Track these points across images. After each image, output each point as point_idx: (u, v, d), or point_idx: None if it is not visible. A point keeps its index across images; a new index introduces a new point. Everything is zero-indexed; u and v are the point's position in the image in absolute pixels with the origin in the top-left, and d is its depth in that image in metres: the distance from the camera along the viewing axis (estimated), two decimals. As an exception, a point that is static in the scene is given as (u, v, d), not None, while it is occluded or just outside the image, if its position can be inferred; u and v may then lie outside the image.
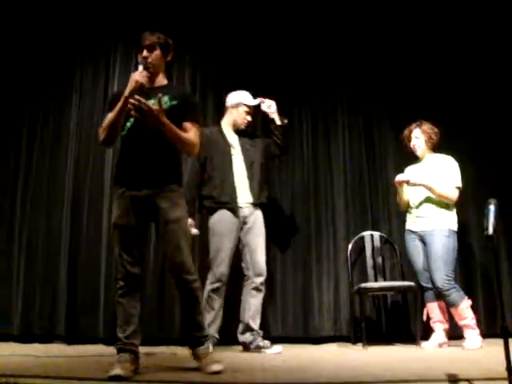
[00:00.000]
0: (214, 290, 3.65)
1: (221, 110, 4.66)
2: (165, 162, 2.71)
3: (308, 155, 4.71)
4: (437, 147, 4.09)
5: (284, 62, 4.83)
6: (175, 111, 2.71)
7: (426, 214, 3.93)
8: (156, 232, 2.77)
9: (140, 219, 2.67)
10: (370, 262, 4.33)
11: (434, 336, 3.88)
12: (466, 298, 3.76)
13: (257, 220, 3.83)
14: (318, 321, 4.34)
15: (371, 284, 4.12)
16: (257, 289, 3.75)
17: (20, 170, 4.58)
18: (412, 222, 4.02)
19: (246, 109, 3.95)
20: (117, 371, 2.38)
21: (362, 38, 4.96)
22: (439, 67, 4.92)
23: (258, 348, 3.66)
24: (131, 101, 2.55)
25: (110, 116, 2.68)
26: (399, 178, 3.99)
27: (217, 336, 3.65)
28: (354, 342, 4.08)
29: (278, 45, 4.86)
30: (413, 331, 4.21)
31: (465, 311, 3.72)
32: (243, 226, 3.80)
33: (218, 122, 4.60)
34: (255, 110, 4.04)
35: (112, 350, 2.78)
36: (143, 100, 2.55)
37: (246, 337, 3.71)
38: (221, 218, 3.73)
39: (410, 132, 4.10)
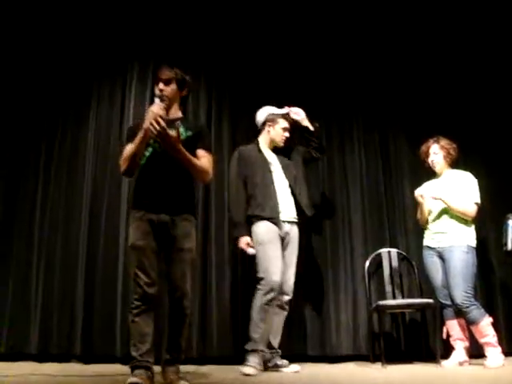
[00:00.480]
0: (268, 302, 3.51)
1: (236, 131, 4.72)
2: (182, 190, 2.88)
3: (324, 171, 4.70)
4: (455, 163, 4.06)
5: (299, 79, 4.86)
6: (190, 141, 2.89)
7: (444, 230, 3.89)
8: (164, 255, 2.86)
9: (158, 242, 2.80)
10: (387, 278, 4.29)
11: (454, 354, 3.82)
12: (487, 315, 3.70)
13: (294, 237, 3.80)
14: (335, 339, 4.29)
15: (389, 301, 4.07)
16: (281, 307, 3.70)
17: (38, 187, 4.61)
18: (430, 238, 3.98)
19: (283, 125, 3.96)
20: (134, 379, 2.53)
21: (378, 54, 4.98)
22: (454, 83, 4.92)
23: (276, 367, 3.63)
24: (154, 125, 2.68)
25: (131, 147, 2.82)
26: (419, 191, 3.96)
27: (266, 350, 3.57)
28: (373, 360, 4.02)
29: (292, 63, 4.89)
30: (432, 349, 4.15)
31: (485, 328, 3.65)
32: (283, 242, 3.73)
33: (232, 143, 4.66)
34: (292, 127, 4.04)
35: (129, 369, 2.78)
36: (164, 125, 2.68)
37: (266, 355, 3.66)
38: (265, 227, 3.65)
39: (428, 148, 4.08)
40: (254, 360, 3.45)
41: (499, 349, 3.65)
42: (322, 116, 4.81)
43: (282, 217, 3.73)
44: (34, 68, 4.87)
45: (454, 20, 4.99)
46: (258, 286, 3.57)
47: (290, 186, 3.85)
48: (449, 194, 3.89)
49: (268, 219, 3.66)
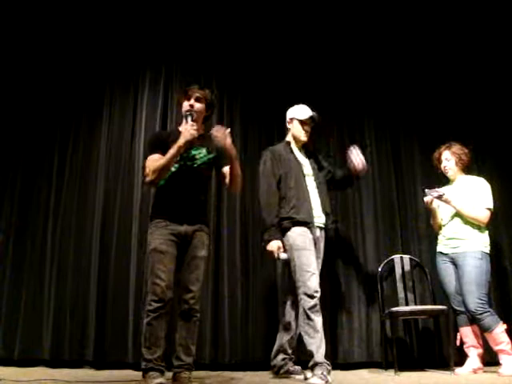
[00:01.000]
0: (311, 309, 3.33)
1: (247, 134, 4.74)
2: (202, 203, 3.18)
3: (336, 177, 4.68)
4: (467, 168, 4.04)
5: (310, 82, 4.86)
6: (215, 161, 3.22)
7: (457, 235, 3.86)
8: (180, 262, 3.05)
9: (178, 249, 3.01)
10: (400, 285, 4.26)
11: (468, 361, 3.78)
12: (501, 322, 3.65)
13: (322, 243, 3.73)
14: (347, 346, 4.27)
15: (402, 308, 4.04)
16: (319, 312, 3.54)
17: (51, 194, 4.67)
18: (443, 245, 3.95)
19: (300, 117, 3.84)
20: (160, 380, 2.73)
21: (390, 57, 4.97)
22: (466, 86, 4.89)
23: (288, 373, 3.59)
24: (221, 136, 2.99)
25: (164, 160, 2.98)
26: (431, 194, 3.92)
27: (327, 362, 3.30)
28: (386, 367, 3.99)
29: (304, 67, 4.90)
30: (445, 356, 4.10)
31: (500, 336, 3.61)
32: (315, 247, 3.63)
33: (244, 147, 4.69)
34: (314, 122, 3.88)
35: (140, 375, 2.79)
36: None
37: (278, 360, 3.62)
38: (300, 233, 3.51)
39: (440, 154, 4.07)
40: (317, 373, 3.24)
41: (514, 356, 3.61)
42: (334, 120, 4.81)
43: (316, 222, 3.63)
44: (46, 77, 4.95)
45: (469, 24, 4.97)
46: (299, 297, 3.41)
47: (318, 190, 3.73)
48: (461, 199, 3.87)
49: (303, 223, 3.53)
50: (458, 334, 3.87)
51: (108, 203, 4.56)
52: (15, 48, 5.02)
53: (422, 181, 4.67)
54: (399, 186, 4.72)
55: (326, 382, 3.19)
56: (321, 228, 3.70)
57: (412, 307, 4.10)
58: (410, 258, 4.36)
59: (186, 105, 3.18)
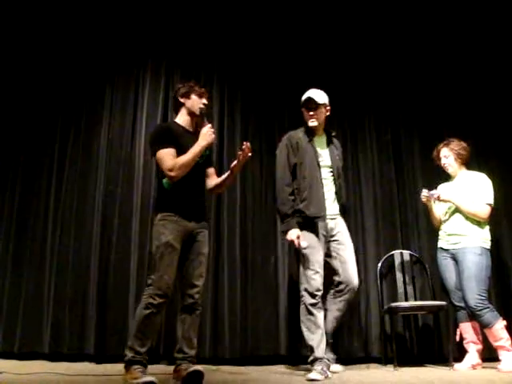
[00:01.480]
0: (312, 305, 3.39)
1: (248, 129, 4.73)
2: (205, 201, 3.28)
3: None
4: (468, 162, 4.03)
5: (311, 82, 4.78)
6: (208, 159, 3.32)
7: (457, 231, 3.86)
8: (183, 256, 3.07)
9: (182, 246, 3.04)
10: (400, 280, 4.26)
11: (467, 357, 3.79)
12: (501, 318, 3.66)
13: (342, 231, 3.65)
14: (347, 341, 4.27)
15: (402, 303, 4.05)
16: (348, 294, 3.59)
17: (51, 189, 4.67)
18: (444, 240, 3.95)
19: (304, 107, 3.71)
20: (149, 378, 2.73)
21: (391, 54, 4.96)
22: (467, 83, 4.88)
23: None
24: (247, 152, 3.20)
25: (189, 159, 3.04)
26: (426, 193, 3.94)
27: (326, 357, 3.36)
28: (385, 363, 4.00)
29: (304, 63, 4.89)
30: (445, 352, 4.11)
31: (499, 332, 3.62)
32: (330, 239, 3.61)
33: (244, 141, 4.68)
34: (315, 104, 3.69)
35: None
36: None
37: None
38: (309, 229, 3.50)
39: (438, 152, 4.07)
40: (317, 368, 3.26)
41: (513, 352, 3.62)
42: (335, 117, 4.77)
43: (327, 213, 3.56)
44: (47, 72, 4.93)
45: (470, 19, 4.97)
46: (301, 293, 3.46)
47: (334, 182, 3.67)
48: (461, 195, 3.87)
49: (312, 218, 3.50)
50: (458, 329, 3.88)
51: (108, 198, 4.56)
52: (15, 43, 5.00)
53: (422, 177, 4.67)
54: (399, 182, 4.72)
55: (326, 377, 3.19)
56: (337, 217, 3.65)
57: (411, 303, 4.11)
58: (410, 254, 4.36)
59: (199, 102, 3.24)
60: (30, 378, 3.10)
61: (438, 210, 4.05)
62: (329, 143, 3.76)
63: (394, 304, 3.96)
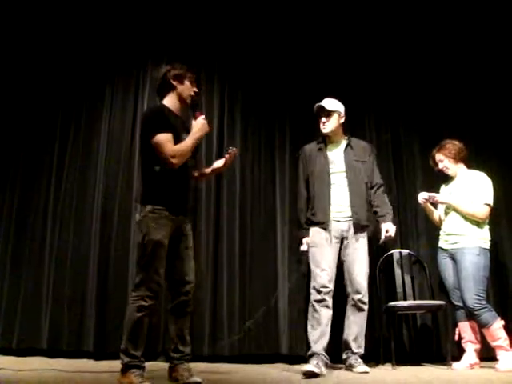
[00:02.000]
0: (317, 302, 3.52)
1: (247, 128, 4.74)
2: (191, 195, 3.25)
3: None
4: (467, 159, 4.03)
5: (310, 82, 4.83)
6: (196, 150, 3.19)
7: (456, 231, 3.87)
8: (170, 253, 2.95)
9: (169, 242, 2.92)
10: (398, 280, 4.27)
11: (465, 356, 3.80)
12: (499, 318, 3.67)
13: (359, 240, 3.71)
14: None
15: (400, 303, 4.05)
16: (355, 306, 3.66)
17: (51, 186, 4.68)
18: (443, 240, 3.96)
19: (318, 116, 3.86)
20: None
21: (390, 55, 4.96)
22: (467, 83, 4.88)
23: (351, 366, 3.59)
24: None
25: (187, 148, 2.94)
26: (423, 196, 3.95)
27: (324, 354, 3.47)
28: (383, 362, 4.01)
29: (304, 62, 4.89)
30: (443, 351, 4.12)
31: (497, 332, 3.63)
32: (343, 241, 3.72)
33: (244, 140, 4.70)
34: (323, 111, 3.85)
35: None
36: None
37: (344, 355, 3.68)
38: (316, 231, 3.70)
39: (434, 158, 4.08)
40: (314, 361, 3.39)
41: (511, 352, 3.62)
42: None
43: (339, 216, 3.70)
44: (47, 71, 4.94)
45: (471, 18, 4.96)
46: (310, 290, 3.63)
47: (350, 187, 3.74)
48: (460, 195, 3.88)
49: (318, 224, 3.70)
50: (457, 328, 3.89)
51: (108, 195, 4.57)
52: (16, 42, 5.01)
53: (421, 176, 4.67)
54: (399, 182, 4.72)
55: (320, 371, 3.26)
56: (355, 222, 3.70)
57: (410, 302, 4.11)
58: (409, 253, 4.37)
59: (190, 89, 3.10)
60: (29, 375, 3.11)
61: (438, 210, 4.06)
62: (347, 148, 3.84)
63: (392, 303, 3.97)
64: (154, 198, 2.90)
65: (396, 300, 4.12)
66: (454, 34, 4.98)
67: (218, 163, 3.29)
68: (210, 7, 4.98)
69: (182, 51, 4.85)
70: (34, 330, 4.33)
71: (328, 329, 3.52)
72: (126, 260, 4.38)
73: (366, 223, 3.74)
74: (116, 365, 2.85)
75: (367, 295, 3.69)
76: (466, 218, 3.85)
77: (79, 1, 5.00)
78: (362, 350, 3.66)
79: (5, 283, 4.51)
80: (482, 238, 3.82)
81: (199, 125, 2.99)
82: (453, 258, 3.87)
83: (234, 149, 3.22)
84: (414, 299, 4.21)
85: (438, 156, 4.04)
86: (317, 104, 3.86)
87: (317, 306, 3.51)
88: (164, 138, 2.87)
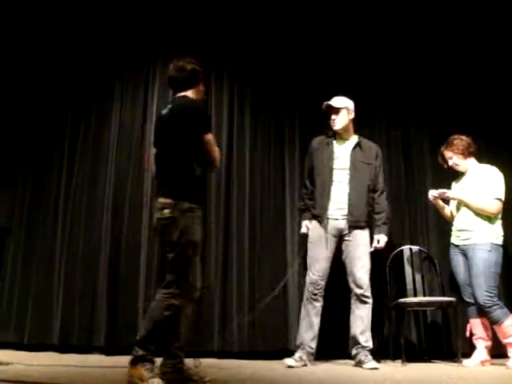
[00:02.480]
0: (307, 297, 3.73)
1: (257, 124, 4.73)
2: None
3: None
4: (476, 153, 4.00)
5: (321, 79, 4.82)
6: None
7: (467, 227, 3.84)
8: None
9: None
10: (409, 276, 4.25)
11: (475, 353, 3.78)
12: (511, 315, 3.64)
13: (358, 237, 3.77)
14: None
15: (410, 299, 4.04)
16: (359, 299, 3.71)
17: (62, 182, 4.71)
18: (455, 236, 3.94)
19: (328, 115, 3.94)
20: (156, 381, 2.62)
21: (399, 52, 4.92)
22: (477, 80, 4.83)
23: (360, 362, 3.60)
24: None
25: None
26: (433, 193, 3.93)
27: (310, 345, 3.66)
28: (393, 358, 4.00)
29: (314, 63, 4.86)
30: (453, 348, 4.10)
31: (509, 329, 3.60)
32: (343, 239, 3.79)
33: (254, 136, 4.70)
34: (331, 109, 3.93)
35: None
36: None
37: (352, 350, 3.70)
38: (313, 227, 3.84)
39: (442, 156, 4.05)
40: (297, 354, 3.62)
41: (523, 350, 3.60)
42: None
43: (337, 214, 3.77)
44: (57, 67, 4.96)
45: (479, 14, 4.91)
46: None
47: (351, 185, 3.78)
48: (471, 190, 3.85)
49: (316, 217, 3.82)
50: (468, 324, 3.87)
51: (118, 189, 4.59)
52: (26, 35, 5.03)
53: (431, 173, 4.64)
54: (408, 178, 4.69)
55: (304, 364, 3.47)
56: (353, 220, 3.75)
57: (420, 298, 4.09)
58: (420, 250, 4.35)
59: (203, 93, 3.17)
60: (40, 370, 3.13)
61: (450, 206, 4.04)
62: (356, 147, 3.89)
63: (402, 300, 3.96)
64: (193, 195, 2.84)
65: (406, 296, 4.11)
66: (462, 30, 4.93)
67: None
68: (219, 4, 4.97)
69: (192, 48, 4.83)
70: (45, 325, 4.36)
71: (316, 321, 3.71)
72: (138, 254, 4.41)
73: (363, 224, 3.78)
74: (127, 360, 2.84)
75: (369, 290, 3.74)
76: (477, 213, 3.82)
77: (90, -2, 5.02)
78: (370, 345, 3.68)
79: (16, 278, 4.55)
80: (494, 233, 3.79)
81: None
82: (464, 254, 3.84)
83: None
84: (424, 296, 4.19)
85: (447, 153, 4.01)
86: (325, 103, 3.91)
87: (306, 300, 3.74)
88: (212, 138, 2.90)
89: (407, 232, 4.54)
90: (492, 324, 3.69)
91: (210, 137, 2.87)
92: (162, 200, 2.82)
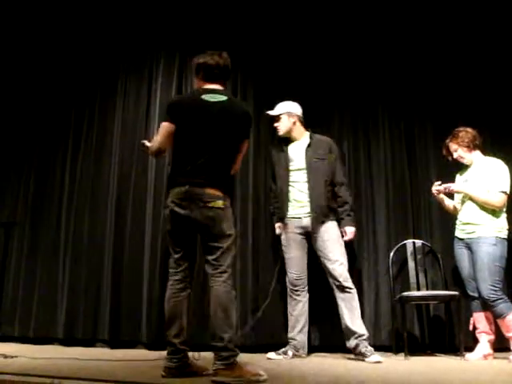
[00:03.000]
0: (290, 292, 3.88)
1: (260, 119, 4.71)
2: None
3: (349, 163, 4.65)
4: (481, 146, 3.98)
5: (325, 72, 4.81)
6: None
7: (472, 220, 3.83)
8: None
9: None
10: (412, 270, 4.26)
11: (478, 347, 3.78)
12: (515, 309, 3.63)
13: (326, 231, 3.81)
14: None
15: (413, 293, 4.04)
16: (339, 289, 3.73)
17: (65, 177, 4.74)
18: (459, 230, 3.92)
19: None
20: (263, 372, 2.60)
21: (403, 44, 4.89)
22: (481, 72, 4.80)
23: (362, 355, 3.61)
24: None
25: None
26: (437, 186, 3.92)
27: (297, 339, 3.80)
28: (396, 352, 4.01)
29: (317, 52, 4.85)
30: (456, 342, 4.10)
31: (512, 323, 3.60)
32: (312, 235, 3.84)
33: (257, 131, 4.69)
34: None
35: (154, 354, 2.82)
36: None
37: (350, 343, 3.69)
38: (283, 230, 3.95)
39: (447, 148, 4.03)
40: (283, 349, 3.79)
41: (525, 343, 3.60)
42: (348, 107, 4.77)
43: (300, 212, 3.87)
44: (60, 63, 4.98)
45: (485, 6, 4.88)
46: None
47: (309, 184, 3.86)
48: (476, 183, 3.83)
49: (280, 220, 3.98)
50: (472, 318, 3.87)
51: (122, 184, 4.62)
52: (28, 37, 5.05)
53: (435, 167, 4.61)
54: (412, 171, 4.67)
55: (291, 358, 3.64)
56: (319, 216, 3.81)
57: (423, 292, 4.10)
58: (423, 243, 4.35)
59: None
60: (44, 363, 3.15)
61: (454, 200, 4.02)
62: (309, 146, 3.97)
63: (405, 293, 3.96)
64: (231, 194, 2.94)
65: (409, 290, 4.11)
66: (467, 22, 4.89)
67: None
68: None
69: (195, 42, 4.84)
70: (50, 318, 4.40)
71: (301, 315, 3.83)
72: (141, 248, 4.43)
73: (326, 218, 3.83)
74: (131, 353, 2.84)
75: (349, 280, 3.76)
76: (482, 207, 3.80)
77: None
78: (365, 332, 3.69)
79: (21, 272, 4.59)
80: (499, 227, 3.78)
81: None
82: (469, 247, 3.83)
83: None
84: (427, 289, 4.20)
85: (452, 145, 3.98)
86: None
87: (291, 296, 3.88)
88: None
89: (410, 226, 4.53)
90: (495, 318, 3.68)
91: (247, 144, 3.03)
92: (210, 191, 2.75)
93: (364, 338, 3.65)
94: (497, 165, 3.87)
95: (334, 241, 3.82)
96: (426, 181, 4.55)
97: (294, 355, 3.75)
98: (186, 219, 2.75)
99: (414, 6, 4.95)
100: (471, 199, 3.85)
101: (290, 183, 3.93)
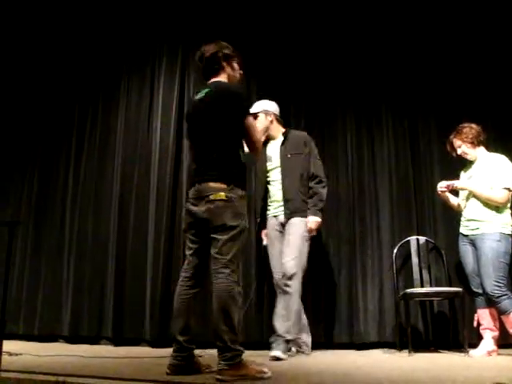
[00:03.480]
0: (278, 292, 3.79)
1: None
2: None
3: (353, 160, 4.64)
4: (486, 142, 3.96)
5: (328, 70, 4.80)
6: None
7: (475, 217, 3.82)
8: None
9: None
10: (415, 267, 4.25)
11: (482, 343, 3.77)
12: (519, 305, 3.63)
13: (291, 226, 3.78)
14: (362, 326, 4.28)
15: (417, 289, 4.04)
16: (280, 289, 3.72)
17: (69, 176, 4.76)
18: (463, 226, 3.91)
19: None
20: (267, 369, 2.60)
21: (406, 41, 4.88)
22: (484, 68, 4.78)
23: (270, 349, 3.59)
24: None
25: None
26: (441, 186, 3.91)
27: (281, 334, 3.64)
28: (400, 348, 4.01)
29: (321, 54, 4.85)
30: (460, 338, 4.10)
31: (516, 319, 3.59)
32: (283, 233, 3.84)
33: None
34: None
35: (157, 351, 2.82)
36: None
37: (271, 339, 3.69)
38: (266, 230, 3.99)
39: (451, 144, 4.01)
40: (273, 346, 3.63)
41: (530, 340, 3.59)
42: (351, 104, 4.76)
43: (277, 210, 3.88)
44: (63, 62, 5.00)
45: (485, 4, 4.86)
46: None
47: (284, 182, 3.84)
48: (480, 179, 3.82)
49: (260, 218, 4.04)
50: (476, 314, 3.86)
51: (125, 183, 4.63)
52: (31, 36, 5.06)
53: (439, 163, 4.60)
54: (416, 169, 4.66)
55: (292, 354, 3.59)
56: (292, 213, 3.79)
57: (427, 289, 4.10)
58: (427, 240, 4.34)
59: (238, 71, 3.05)
60: (49, 360, 3.17)
61: (458, 197, 4.01)
62: (284, 143, 3.95)
63: (409, 290, 3.96)
64: (240, 181, 2.76)
65: (413, 287, 4.11)
66: (470, 18, 4.87)
67: None
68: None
69: (197, 40, 4.82)
70: (54, 316, 4.42)
71: (279, 311, 3.69)
72: (145, 246, 4.44)
73: (299, 214, 3.79)
74: (134, 351, 2.85)
75: (295, 278, 3.64)
76: (485, 203, 3.79)
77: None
78: (290, 336, 3.61)
79: (25, 271, 4.61)
80: (503, 223, 3.76)
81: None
82: (473, 244, 3.82)
83: None
84: (431, 286, 4.19)
85: (456, 141, 3.97)
86: None
87: (278, 295, 3.77)
88: (254, 123, 2.90)
89: (414, 222, 4.52)
90: (500, 314, 3.67)
91: (252, 121, 2.84)
92: (213, 184, 2.68)
93: (284, 339, 3.58)
94: (501, 161, 3.85)
95: (294, 236, 3.74)
96: (430, 177, 4.55)
97: (298, 352, 3.73)
98: (194, 216, 2.74)
99: (417, 4, 4.93)
100: (475, 196, 3.84)
101: (271, 182, 3.93)
